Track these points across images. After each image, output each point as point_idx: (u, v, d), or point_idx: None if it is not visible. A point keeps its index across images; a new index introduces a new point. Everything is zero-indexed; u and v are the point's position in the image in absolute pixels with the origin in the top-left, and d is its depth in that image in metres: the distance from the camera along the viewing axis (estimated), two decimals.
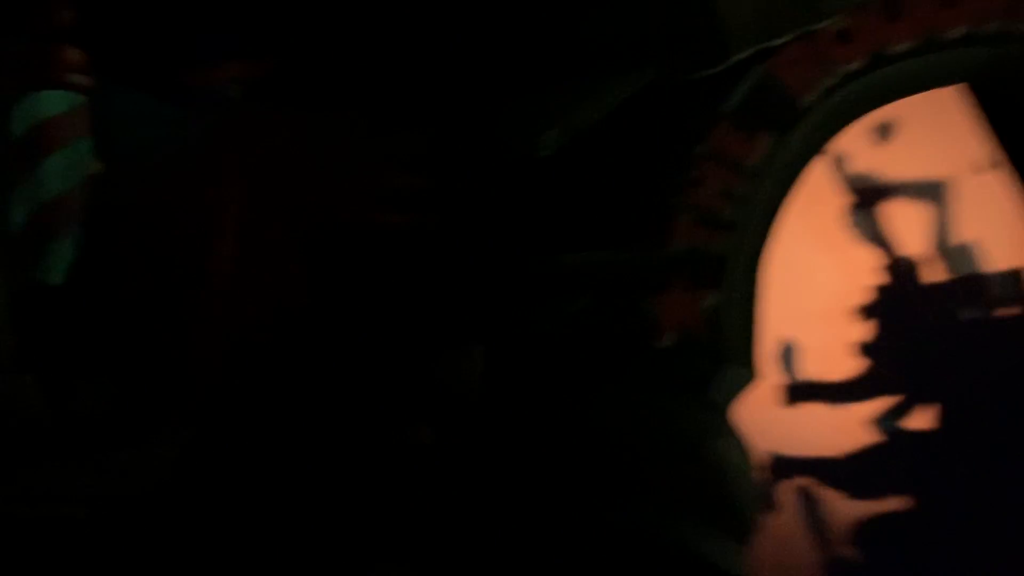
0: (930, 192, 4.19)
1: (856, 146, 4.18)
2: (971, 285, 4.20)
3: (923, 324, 4.17)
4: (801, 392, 4.07)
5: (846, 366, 4.14)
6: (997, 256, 4.19)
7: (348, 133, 3.57)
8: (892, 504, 4.05)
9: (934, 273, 4.21)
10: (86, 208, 3.12)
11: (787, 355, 4.08)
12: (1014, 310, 4.20)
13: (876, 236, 4.22)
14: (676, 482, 3.43)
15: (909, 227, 4.20)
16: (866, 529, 4.04)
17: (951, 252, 4.21)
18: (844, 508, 4.06)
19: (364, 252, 3.56)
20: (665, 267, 3.56)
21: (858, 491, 4.05)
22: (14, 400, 2.93)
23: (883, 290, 4.18)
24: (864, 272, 4.20)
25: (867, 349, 4.15)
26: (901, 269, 4.19)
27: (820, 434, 4.07)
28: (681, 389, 3.50)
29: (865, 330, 4.16)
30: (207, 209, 3.30)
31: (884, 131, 4.18)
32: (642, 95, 3.64)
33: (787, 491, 4.01)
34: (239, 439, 3.14)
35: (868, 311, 4.16)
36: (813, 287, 4.10)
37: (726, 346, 3.57)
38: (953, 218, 4.22)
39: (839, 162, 4.18)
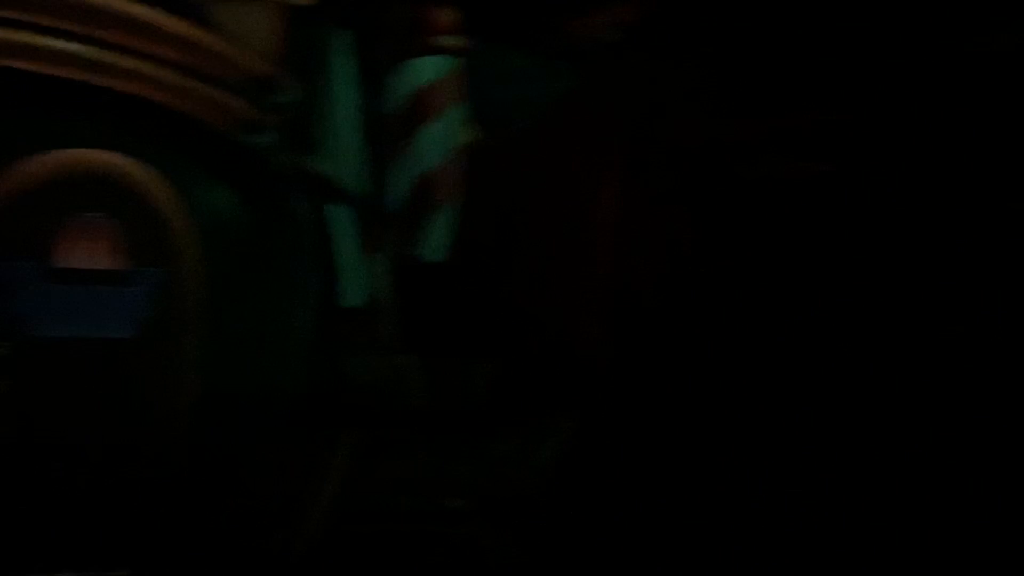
0: None
1: None
2: None
3: None
4: None
5: None
6: None
7: (738, 72, 3.09)
8: None
9: None
10: (465, 179, 3.01)
11: None
12: None
13: None
14: None
15: None
16: None
17: None
18: None
19: (771, 209, 3.03)
20: None
21: None
22: (396, 382, 2.85)
23: None
24: None
25: None
26: None
27: None
28: None
29: None
30: (587, 172, 3.11)
31: None
32: None
33: None
34: (633, 429, 2.93)
35: None
36: None
37: None
38: None
39: None
